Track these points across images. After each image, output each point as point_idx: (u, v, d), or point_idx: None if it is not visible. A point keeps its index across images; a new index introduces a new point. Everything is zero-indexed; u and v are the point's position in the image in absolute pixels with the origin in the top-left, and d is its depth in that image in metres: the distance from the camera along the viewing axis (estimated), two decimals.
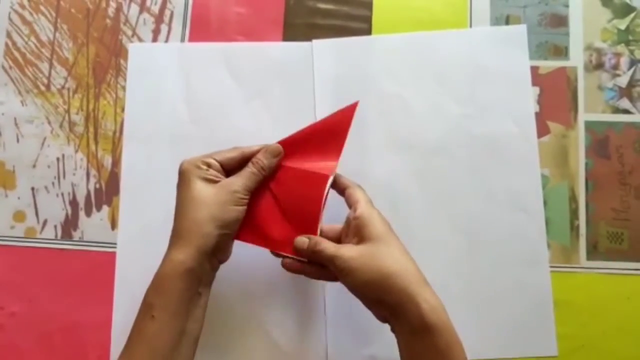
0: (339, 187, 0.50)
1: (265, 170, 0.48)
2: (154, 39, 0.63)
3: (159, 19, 0.63)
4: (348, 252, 0.45)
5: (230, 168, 0.49)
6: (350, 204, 0.49)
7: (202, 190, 0.46)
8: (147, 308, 0.44)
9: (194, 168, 0.47)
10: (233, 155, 0.49)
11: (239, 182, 0.47)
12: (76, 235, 0.59)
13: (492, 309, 0.56)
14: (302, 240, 0.47)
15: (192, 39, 0.62)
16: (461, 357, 0.42)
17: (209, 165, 0.48)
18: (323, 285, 0.56)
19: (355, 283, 0.44)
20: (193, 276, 0.44)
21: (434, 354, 0.42)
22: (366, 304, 0.46)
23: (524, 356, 0.55)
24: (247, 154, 0.49)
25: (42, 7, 0.63)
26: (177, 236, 0.46)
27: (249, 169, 0.48)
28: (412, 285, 0.43)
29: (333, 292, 0.56)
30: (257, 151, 0.49)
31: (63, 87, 0.62)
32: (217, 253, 0.46)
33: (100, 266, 0.58)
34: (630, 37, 0.61)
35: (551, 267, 0.56)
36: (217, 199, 0.46)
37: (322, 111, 0.59)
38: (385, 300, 0.44)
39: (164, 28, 0.63)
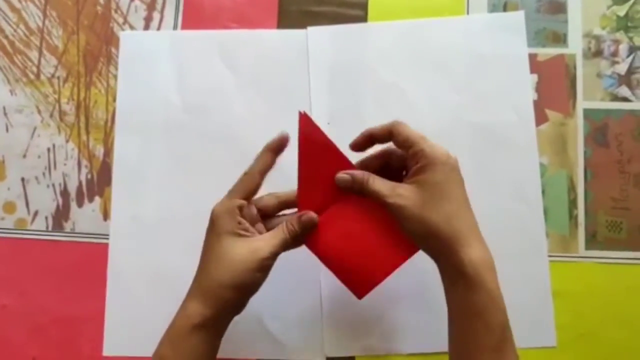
0: (405, 143, 0.45)
1: (298, 240, 0.46)
2: (146, 27, 0.61)
3: (151, 6, 0.62)
4: (403, 199, 0.42)
5: (267, 214, 0.47)
6: (410, 145, 0.45)
7: (230, 248, 0.43)
8: None
9: (227, 217, 0.44)
10: (270, 204, 0.47)
11: (268, 247, 0.44)
12: (67, 226, 0.58)
13: None
14: (345, 177, 0.45)
15: (185, 26, 0.61)
16: (497, 322, 0.40)
17: (241, 211, 0.45)
18: (319, 277, 0.56)
19: (403, 228, 0.43)
20: (209, 332, 0.43)
21: (468, 309, 0.41)
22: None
23: (522, 346, 0.54)
24: (282, 200, 0.48)
25: None
26: (197, 289, 0.44)
27: (282, 234, 0.45)
28: (456, 244, 0.41)
29: (329, 284, 0.55)
30: (292, 195, 0.47)
31: (53, 76, 0.61)
32: (234, 311, 0.45)
33: (93, 258, 0.57)
34: (630, 24, 0.60)
35: (550, 256, 0.56)
36: (244, 265, 0.43)
37: (318, 100, 0.59)
38: (429, 251, 0.43)
39: (156, 15, 0.61)
